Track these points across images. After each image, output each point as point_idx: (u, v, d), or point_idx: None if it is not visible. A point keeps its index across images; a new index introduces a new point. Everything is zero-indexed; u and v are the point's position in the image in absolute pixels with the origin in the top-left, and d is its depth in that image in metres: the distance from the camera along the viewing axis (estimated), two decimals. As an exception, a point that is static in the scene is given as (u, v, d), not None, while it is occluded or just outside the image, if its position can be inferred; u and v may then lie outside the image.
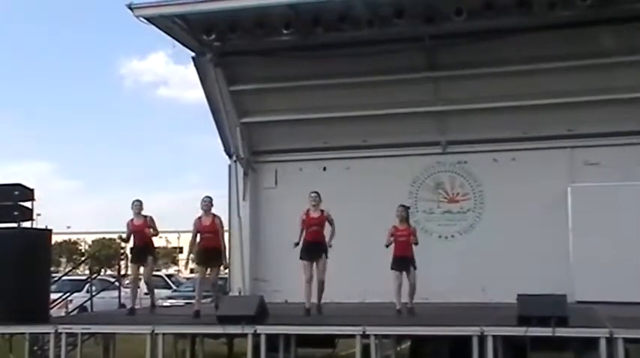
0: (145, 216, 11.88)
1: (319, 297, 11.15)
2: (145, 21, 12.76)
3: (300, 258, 11.08)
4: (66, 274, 22.44)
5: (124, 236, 12.03)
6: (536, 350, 9.36)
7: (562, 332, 8.37)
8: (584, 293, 12.60)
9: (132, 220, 11.87)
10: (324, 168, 15.12)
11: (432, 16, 12.54)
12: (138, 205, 11.85)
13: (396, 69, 13.78)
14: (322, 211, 11.23)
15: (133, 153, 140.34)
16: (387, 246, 11.07)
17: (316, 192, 11.30)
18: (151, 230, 11.90)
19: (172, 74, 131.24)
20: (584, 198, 13.48)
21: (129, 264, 12.72)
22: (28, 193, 10.99)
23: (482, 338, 8.51)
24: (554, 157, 14.05)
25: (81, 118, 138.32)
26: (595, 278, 12.83)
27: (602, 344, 8.17)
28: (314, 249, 11.03)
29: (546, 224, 13.64)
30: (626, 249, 12.86)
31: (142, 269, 12.20)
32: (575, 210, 13.47)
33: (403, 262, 11.01)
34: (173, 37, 13.66)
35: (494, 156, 14.34)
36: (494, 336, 8.54)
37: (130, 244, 12.09)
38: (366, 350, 9.01)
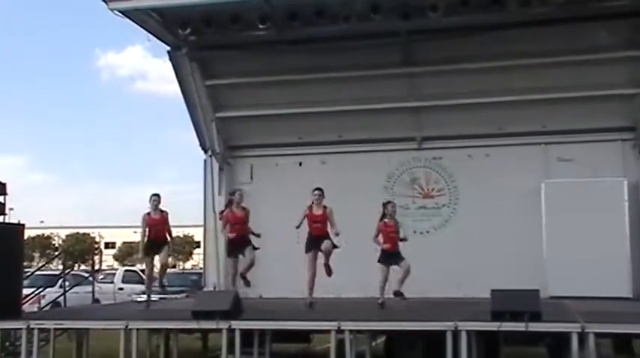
0: (162, 211, 11.84)
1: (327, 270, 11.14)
2: (120, 14, 12.65)
3: (305, 252, 11.18)
4: (39, 269, 22.31)
5: (141, 231, 11.92)
6: (510, 345, 9.47)
7: (535, 327, 8.44)
8: (557, 289, 12.74)
9: (149, 214, 11.80)
10: (300, 163, 15.13)
11: (408, 12, 12.57)
12: (156, 200, 11.82)
13: (371, 64, 13.80)
14: (325, 208, 11.24)
15: (109, 147, 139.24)
16: (381, 242, 11.28)
17: (320, 189, 11.30)
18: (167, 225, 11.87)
19: (150, 67, 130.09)
20: (558, 193, 13.60)
21: (143, 257, 12.64)
22: (0, 187, 10.88)
23: (456, 333, 8.55)
24: (528, 153, 14.18)
25: (55, 112, 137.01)
26: (568, 273, 12.96)
27: (574, 338, 8.25)
28: (318, 241, 11.14)
29: (520, 219, 13.76)
30: (599, 244, 12.98)
31: (156, 262, 12.19)
32: (548, 205, 13.59)
33: (393, 256, 11.21)
34: (148, 31, 13.58)
35: (469, 152, 14.43)
36: (467, 331, 8.58)
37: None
38: (340, 345, 9.03)
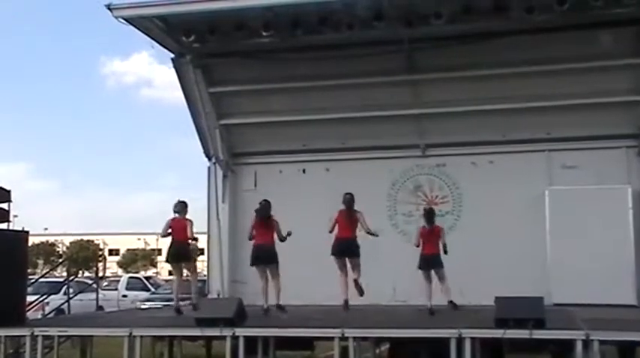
0: (187, 219, 11.94)
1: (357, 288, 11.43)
2: (124, 22, 12.69)
3: (332, 254, 11.47)
4: (43, 276, 22.32)
5: (163, 232, 12.03)
6: (514, 352, 9.44)
7: (539, 334, 8.42)
8: (561, 296, 12.70)
9: (173, 219, 11.94)
10: (304, 171, 15.13)
11: (412, 20, 12.57)
12: (183, 206, 11.99)
13: (375, 71, 13.81)
14: (355, 212, 11.49)
15: (113, 154, 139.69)
16: (418, 246, 11.77)
17: (350, 194, 11.60)
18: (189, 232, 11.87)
19: (155, 74, 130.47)
20: (562, 201, 13.58)
21: (169, 264, 12.86)
22: (4, 195, 10.91)
23: (460, 341, 8.53)
24: (532, 160, 14.16)
25: (60, 118, 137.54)
26: (572, 280, 12.93)
27: (579, 346, 8.23)
28: (342, 246, 11.42)
29: (524, 227, 13.73)
30: (603, 251, 12.97)
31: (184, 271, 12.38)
32: (552, 213, 13.56)
33: (430, 262, 11.64)
34: (152, 38, 13.61)
35: (473, 159, 14.42)
36: (472, 338, 8.56)
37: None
38: (344, 352, 9.02)
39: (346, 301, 11.32)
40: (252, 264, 11.68)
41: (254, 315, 10.08)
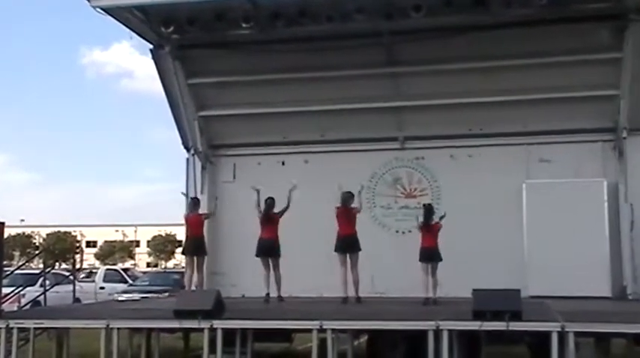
0: (200, 214, 13.19)
1: (355, 290, 11.98)
2: (102, 12, 12.57)
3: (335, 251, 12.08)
4: (19, 268, 22.09)
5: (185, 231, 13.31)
6: (491, 344, 9.53)
7: (516, 326, 8.51)
8: (538, 288, 12.82)
9: (188, 215, 13.21)
10: (283, 163, 15.11)
11: (391, 12, 12.58)
12: (195, 203, 13.34)
13: (355, 64, 13.81)
14: (353, 208, 12.08)
15: (91, 145, 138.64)
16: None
17: (350, 192, 12.14)
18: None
19: (136, 65, 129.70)
20: (539, 194, 13.68)
21: (184, 257, 13.90)
22: (-20, 186, 10.79)
23: (437, 333, 8.60)
24: (510, 154, 14.23)
25: (38, 109, 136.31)
26: (548, 273, 13.05)
27: (554, 337, 8.33)
28: (346, 242, 12.07)
29: (501, 220, 13.81)
30: (579, 244, 13.10)
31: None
32: (529, 206, 13.67)
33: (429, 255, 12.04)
34: (131, 29, 13.52)
35: (451, 152, 14.48)
36: (449, 330, 8.63)
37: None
38: (322, 344, 9.04)
39: (346, 298, 11.80)
40: (256, 255, 12.46)
41: (232, 307, 10.08)
